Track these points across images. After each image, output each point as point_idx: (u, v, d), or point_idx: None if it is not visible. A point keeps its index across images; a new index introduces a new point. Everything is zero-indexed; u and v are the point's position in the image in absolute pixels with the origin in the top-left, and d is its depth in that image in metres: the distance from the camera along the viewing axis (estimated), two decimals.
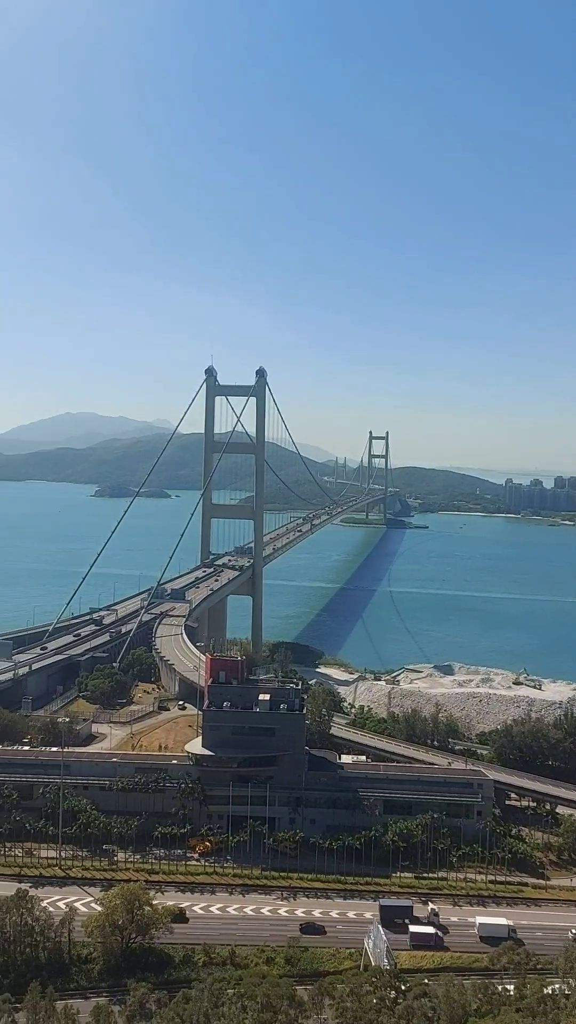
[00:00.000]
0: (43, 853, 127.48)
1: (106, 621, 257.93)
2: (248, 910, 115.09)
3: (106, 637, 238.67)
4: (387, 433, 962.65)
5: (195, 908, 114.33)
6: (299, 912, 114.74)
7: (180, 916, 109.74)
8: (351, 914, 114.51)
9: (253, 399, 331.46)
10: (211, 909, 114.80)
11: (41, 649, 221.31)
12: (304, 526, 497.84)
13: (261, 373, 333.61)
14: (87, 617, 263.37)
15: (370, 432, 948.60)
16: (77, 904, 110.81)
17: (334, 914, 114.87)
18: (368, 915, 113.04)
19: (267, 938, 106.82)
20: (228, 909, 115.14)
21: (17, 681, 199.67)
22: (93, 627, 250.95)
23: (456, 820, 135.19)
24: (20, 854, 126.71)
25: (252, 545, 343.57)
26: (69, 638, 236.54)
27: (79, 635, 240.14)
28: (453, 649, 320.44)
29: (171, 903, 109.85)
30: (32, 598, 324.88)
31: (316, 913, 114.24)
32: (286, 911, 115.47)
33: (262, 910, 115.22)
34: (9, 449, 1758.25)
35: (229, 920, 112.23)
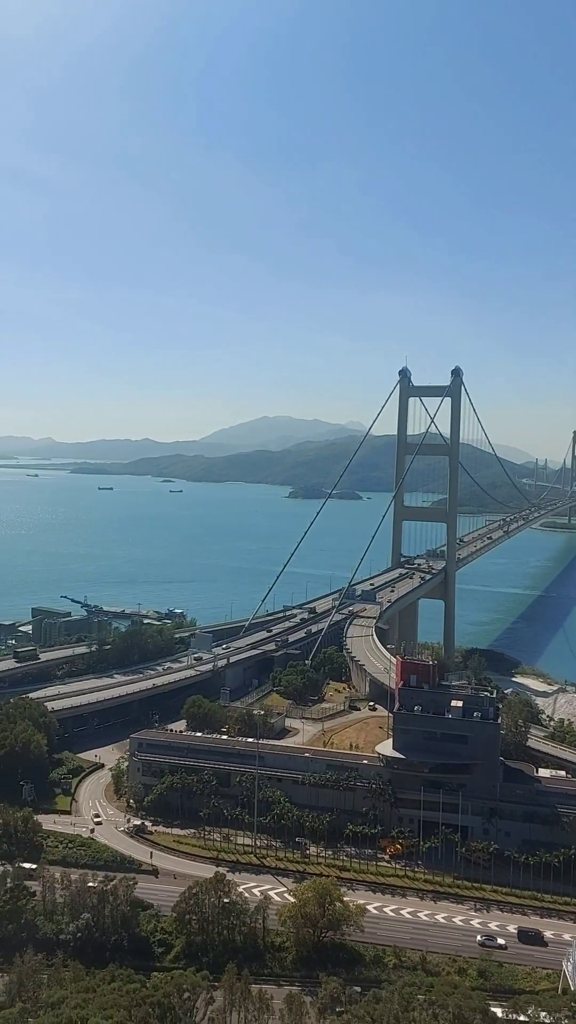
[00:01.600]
0: (239, 840, 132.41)
1: (298, 619, 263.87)
2: (440, 917, 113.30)
3: (299, 635, 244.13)
4: None
5: (385, 909, 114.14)
6: (492, 925, 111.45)
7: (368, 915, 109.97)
8: (548, 933, 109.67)
9: (447, 400, 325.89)
10: (402, 912, 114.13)
11: (230, 647, 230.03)
12: (500, 530, 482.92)
13: (457, 373, 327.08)
14: (281, 614, 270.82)
15: (574, 432, 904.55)
16: (271, 892, 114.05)
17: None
18: (567, 936, 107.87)
19: (458, 948, 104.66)
20: (419, 914, 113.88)
21: (216, 673, 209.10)
22: (286, 624, 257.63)
23: None
24: (218, 839, 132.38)
25: (445, 548, 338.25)
26: (264, 634, 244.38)
27: (273, 632, 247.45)
28: None
29: (361, 901, 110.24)
30: (230, 594, 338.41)
31: (511, 928, 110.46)
32: (479, 923, 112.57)
33: (454, 919, 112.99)
34: (211, 452, 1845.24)
35: (420, 925, 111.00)
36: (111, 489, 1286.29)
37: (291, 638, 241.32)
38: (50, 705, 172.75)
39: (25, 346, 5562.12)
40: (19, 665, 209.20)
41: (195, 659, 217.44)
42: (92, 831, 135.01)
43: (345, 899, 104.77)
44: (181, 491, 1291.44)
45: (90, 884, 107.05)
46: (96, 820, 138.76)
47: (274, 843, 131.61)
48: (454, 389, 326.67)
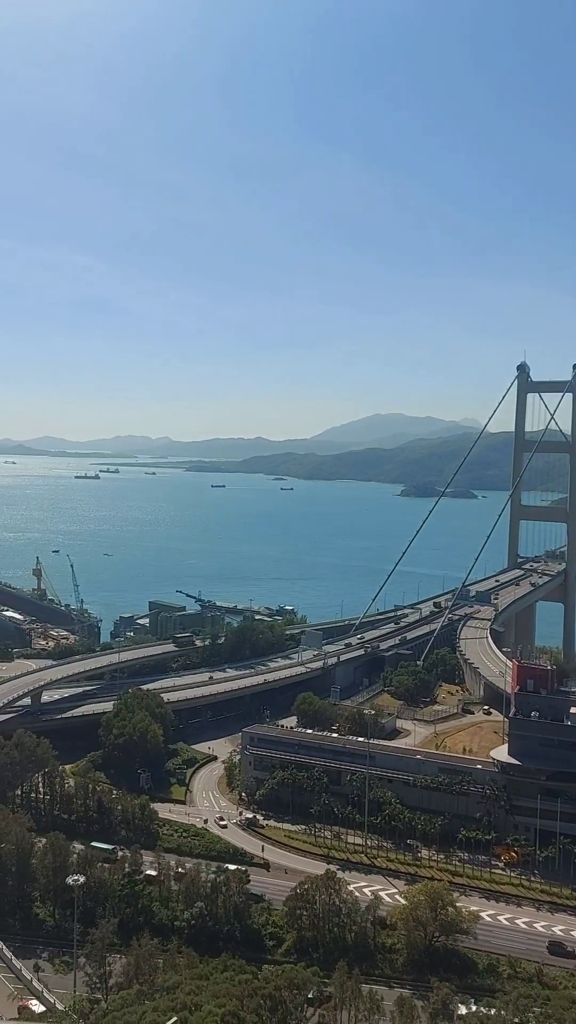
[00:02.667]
0: (349, 838, 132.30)
1: (410, 619, 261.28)
2: (557, 929, 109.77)
3: (411, 634, 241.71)
4: None
5: (499, 918, 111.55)
6: None
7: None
8: None
9: (569, 395, 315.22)
10: (516, 922, 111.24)
11: (346, 645, 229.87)
12: None
13: None
14: (392, 614, 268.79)
15: None
16: (381, 893, 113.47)
17: None
18: None
19: None
20: (535, 925, 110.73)
21: (326, 671, 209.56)
22: (397, 624, 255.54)
23: None
24: (328, 836, 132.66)
25: (565, 549, 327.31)
26: (375, 633, 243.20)
27: (383, 631, 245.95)
28: None
29: (474, 908, 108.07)
30: (340, 592, 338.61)
31: None
32: None
33: (572, 932, 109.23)
34: (322, 450, 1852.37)
35: (536, 936, 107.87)
36: (223, 487, 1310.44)
37: (402, 638, 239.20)
38: (166, 696, 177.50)
39: (145, 348, 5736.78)
40: (176, 650, 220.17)
41: (306, 656, 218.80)
42: (211, 823, 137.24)
43: (458, 904, 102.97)
44: (292, 489, 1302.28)
45: (203, 874, 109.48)
46: (221, 823, 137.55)
47: (385, 844, 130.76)
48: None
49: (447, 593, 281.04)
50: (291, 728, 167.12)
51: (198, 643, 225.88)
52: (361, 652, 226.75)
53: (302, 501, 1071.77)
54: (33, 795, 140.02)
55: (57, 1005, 78.03)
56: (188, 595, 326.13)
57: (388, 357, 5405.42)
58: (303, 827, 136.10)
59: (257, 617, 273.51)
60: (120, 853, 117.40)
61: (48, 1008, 76.72)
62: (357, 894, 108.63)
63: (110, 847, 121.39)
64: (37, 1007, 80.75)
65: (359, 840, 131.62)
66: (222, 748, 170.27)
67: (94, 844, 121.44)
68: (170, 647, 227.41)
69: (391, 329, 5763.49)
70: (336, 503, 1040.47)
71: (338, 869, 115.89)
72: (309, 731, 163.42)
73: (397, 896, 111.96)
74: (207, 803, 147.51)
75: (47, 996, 79.57)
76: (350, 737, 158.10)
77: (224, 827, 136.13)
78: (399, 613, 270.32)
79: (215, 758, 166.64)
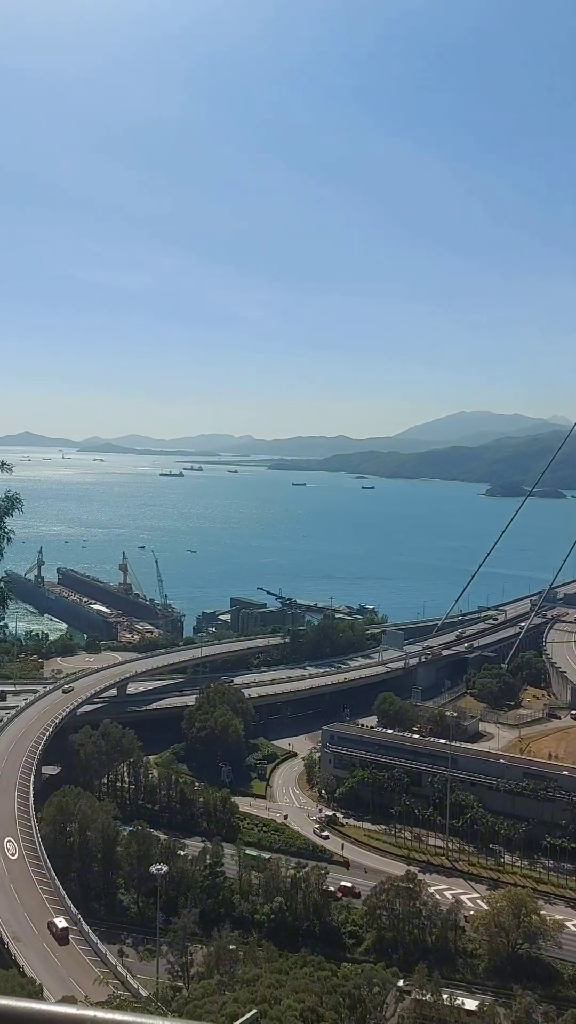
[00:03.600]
0: (430, 841, 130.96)
1: (494, 621, 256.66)
2: None
3: (495, 636, 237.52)
4: None
5: None
6: None
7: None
8: None
9: None
10: None
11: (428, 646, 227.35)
12: None
13: None
14: (475, 615, 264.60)
15: None
16: (463, 897, 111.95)
17: None
18: None
19: None
20: None
21: (408, 671, 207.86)
22: (481, 625, 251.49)
23: None
24: (409, 837, 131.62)
25: None
26: (457, 634, 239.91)
27: (466, 632, 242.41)
28: None
29: (560, 917, 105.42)
30: (422, 592, 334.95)
31: None
32: None
33: None
34: (405, 448, 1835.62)
35: None
36: (304, 485, 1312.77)
37: (486, 640, 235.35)
38: (247, 692, 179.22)
39: (229, 348, 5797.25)
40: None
41: (386, 656, 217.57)
42: (291, 818, 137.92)
43: (542, 912, 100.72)
44: (373, 487, 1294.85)
45: (283, 869, 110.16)
46: (322, 835, 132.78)
47: (466, 847, 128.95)
48: None
49: (534, 595, 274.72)
50: (371, 727, 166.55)
51: (277, 640, 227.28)
52: (443, 653, 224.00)
53: (384, 500, 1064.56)
54: (118, 784, 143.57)
55: (141, 991, 79.78)
56: (269, 592, 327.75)
57: (474, 355, 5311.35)
58: (383, 827, 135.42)
59: (337, 616, 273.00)
60: (202, 845, 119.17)
61: (132, 993, 78.53)
62: (438, 897, 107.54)
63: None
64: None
65: (440, 843, 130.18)
66: (302, 745, 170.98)
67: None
68: (251, 643, 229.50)
69: (476, 327, 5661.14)
70: (419, 502, 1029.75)
71: (419, 871, 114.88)
72: (390, 731, 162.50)
73: (479, 901, 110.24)
74: (287, 799, 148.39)
75: (131, 981, 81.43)
76: (431, 739, 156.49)
77: (326, 838, 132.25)
78: (483, 614, 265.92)
79: (295, 754, 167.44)
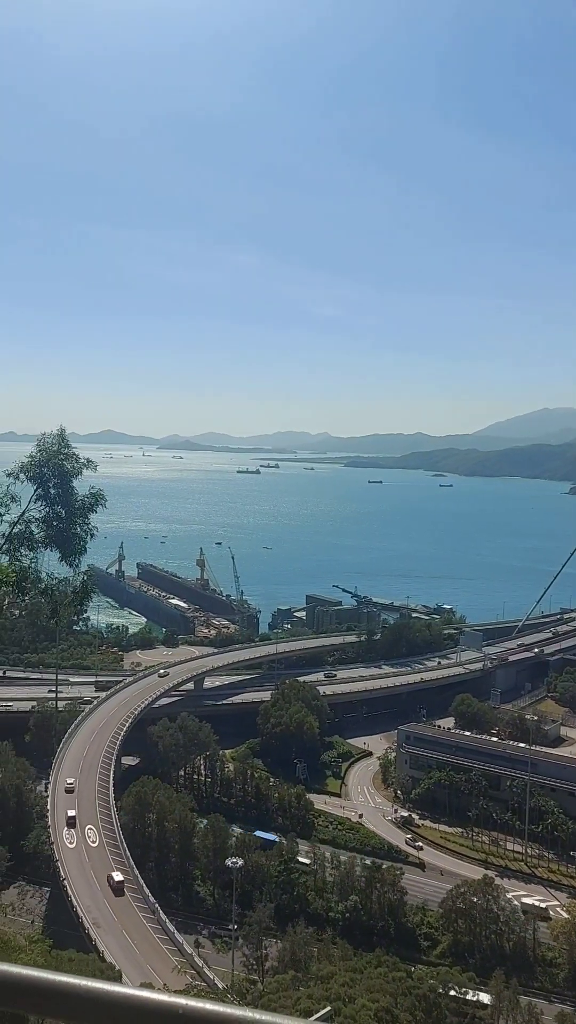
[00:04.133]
0: (508, 845, 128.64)
1: None
2: None
3: None
4: None
5: None
6: None
7: None
8: None
9: None
10: None
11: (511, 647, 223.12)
12: None
13: None
14: (557, 617, 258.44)
15: None
16: (542, 904, 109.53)
17: None
18: None
19: None
20: None
21: (486, 672, 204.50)
22: (563, 627, 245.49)
23: None
24: (487, 842, 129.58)
25: None
26: (538, 636, 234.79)
27: (549, 634, 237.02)
28: None
29: None
30: (502, 593, 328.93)
31: None
32: None
33: None
34: (485, 446, 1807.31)
35: None
36: (380, 482, 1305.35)
37: (569, 642, 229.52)
38: (321, 689, 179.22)
39: (306, 346, 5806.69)
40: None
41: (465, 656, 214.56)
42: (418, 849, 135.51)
43: None
44: (451, 485, 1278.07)
45: (357, 868, 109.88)
46: (416, 846, 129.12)
47: (546, 854, 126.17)
48: None
49: None
50: (448, 729, 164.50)
51: (353, 638, 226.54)
52: (524, 655, 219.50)
53: (462, 498, 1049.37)
54: (195, 777, 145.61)
55: (217, 982, 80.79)
56: (344, 590, 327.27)
57: (557, 350, 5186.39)
58: (459, 830, 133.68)
59: (414, 615, 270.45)
60: (277, 840, 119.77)
61: (208, 984, 79.60)
62: (516, 902, 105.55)
63: (275, 838, 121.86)
64: None
65: (518, 848, 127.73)
66: (377, 744, 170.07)
67: (258, 833, 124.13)
68: (327, 640, 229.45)
69: (559, 321, 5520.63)
70: (498, 500, 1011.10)
71: (496, 875, 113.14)
72: (467, 733, 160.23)
73: (559, 909, 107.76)
74: (362, 798, 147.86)
75: (207, 972, 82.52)
76: (510, 742, 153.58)
77: (420, 848, 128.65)
78: (566, 616, 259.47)
79: (370, 754, 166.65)
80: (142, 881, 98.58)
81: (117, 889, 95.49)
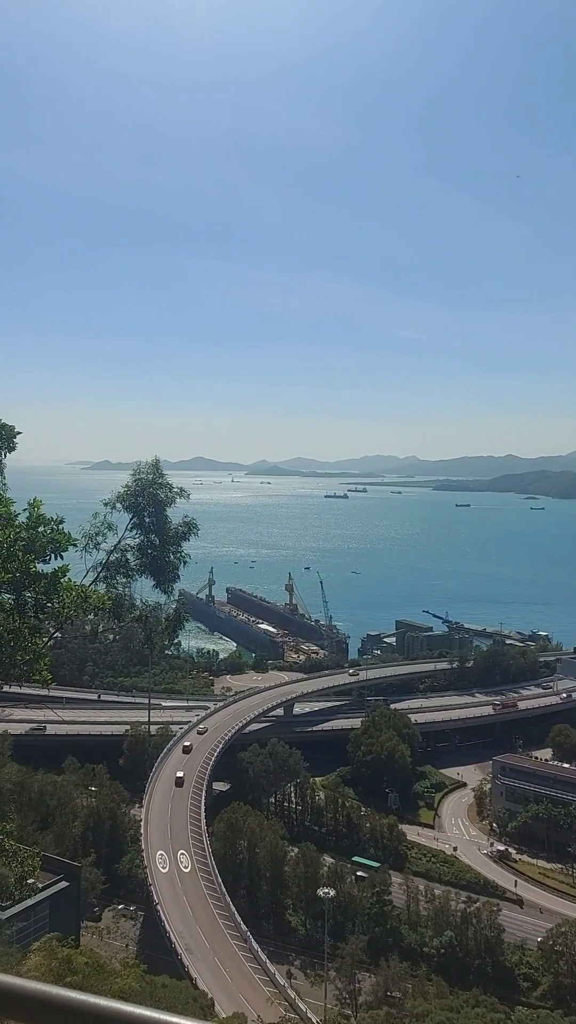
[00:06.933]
0: None
1: None
2: None
3: None
4: None
5: None
6: None
7: None
8: None
9: None
10: None
11: None
12: None
13: None
14: None
15: None
16: None
17: None
18: None
19: None
20: None
21: None
22: None
23: None
24: None
25: None
26: None
27: None
28: None
29: None
30: None
31: None
32: None
33: None
34: None
35: None
36: (468, 506, 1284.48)
37: None
38: (413, 718, 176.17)
39: (391, 370, 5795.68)
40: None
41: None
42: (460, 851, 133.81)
43: None
44: (543, 508, 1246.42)
45: (452, 902, 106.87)
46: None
47: None
48: None
49: None
50: (546, 760, 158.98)
51: (445, 665, 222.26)
52: None
53: (556, 521, 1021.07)
54: (285, 804, 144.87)
55: (310, 1015, 79.54)
56: (435, 615, 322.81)
57: None
58: (559, 866, 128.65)
59: (508, 641, 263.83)
60: (368, 872, 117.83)
61: (301, 1016, 78.42)
62: None
63: (375, 864, 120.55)
64: None
65: None
66: (471, 775, 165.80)
67: (356, 859, 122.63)
68: (417, 667, 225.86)
69: None
70: None
71: None
72: (566, 765, 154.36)
73: None
74: (456, 830, 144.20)
75: (300, 1004, 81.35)
76: None
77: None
78: None
79: (464, 784, 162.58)
80: (234, 908, 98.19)
81: (179, 782, 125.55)
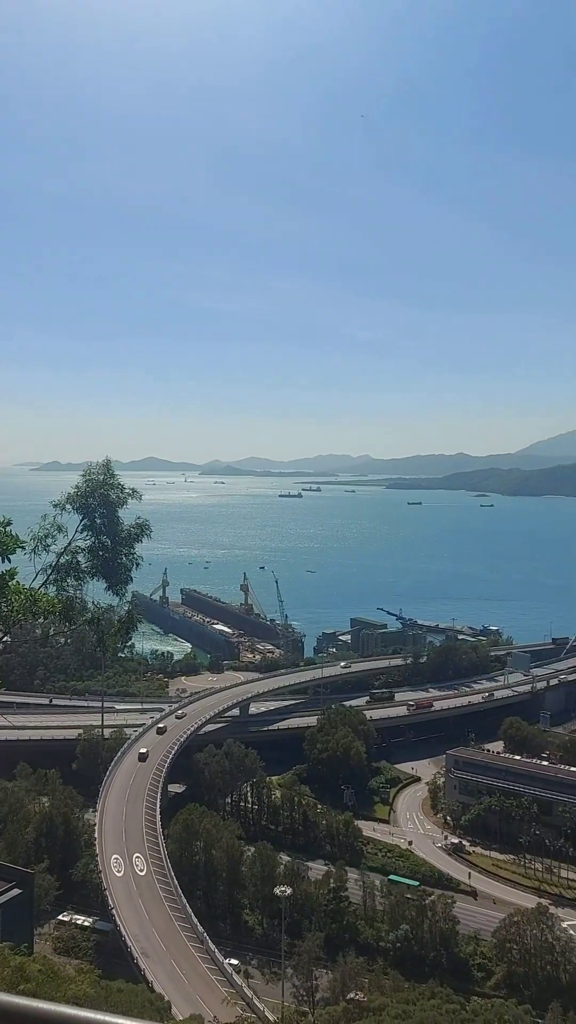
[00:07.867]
0: (563, 873, 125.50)
1: None
2: None
3: None
4: None
5: None
6: None
7: None
8: None
9: None
10: None
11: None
12: None
13: None
14: None
15: None
16: None
17: None
18: None
19: None
20: None
21: (535, 695, 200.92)
22: None
23: None
24: (540, 869, 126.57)
25: None
26: None
27: None
28: None
29: None
30: (548, 614, 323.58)
31: None
32: None
33: None
34: (527, 465, 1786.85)
35: None
36: (420, 504, 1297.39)
37: None
38: (368, 714, 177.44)
39: (344, 369, 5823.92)
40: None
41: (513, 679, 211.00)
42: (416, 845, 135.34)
43: None
44: (492, 505, 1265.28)
45: (407, 896, 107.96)
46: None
47: None
48: None
49: None
50: (498, 753, 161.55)
51: (399, 661, 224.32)
52: (574, 677, 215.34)
53: (504, 518, 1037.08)
54: (242, 804, 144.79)
55: (267, 1014, 79.77)
56: (389, 613, 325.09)
57: None
58: (511, 857, 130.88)
59: (460, 637, 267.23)
60: (325, 869, 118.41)
61: (259, 1015, 78.57)
62: (572, 932, 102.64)
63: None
64: None
65: (573, 875, 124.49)
66: (425, 769, 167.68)
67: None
68: (372, 664, 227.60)
69: None
70: (541, 519, 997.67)
71: (550, 904, 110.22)
72: (517, 757, 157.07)
73: None
74: (411, 824, 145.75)
75: (257, 1003, 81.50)
76: (562, 766, 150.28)
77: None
78: None
79: (419, 779, 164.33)
80: (190, 910, 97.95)
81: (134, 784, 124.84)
